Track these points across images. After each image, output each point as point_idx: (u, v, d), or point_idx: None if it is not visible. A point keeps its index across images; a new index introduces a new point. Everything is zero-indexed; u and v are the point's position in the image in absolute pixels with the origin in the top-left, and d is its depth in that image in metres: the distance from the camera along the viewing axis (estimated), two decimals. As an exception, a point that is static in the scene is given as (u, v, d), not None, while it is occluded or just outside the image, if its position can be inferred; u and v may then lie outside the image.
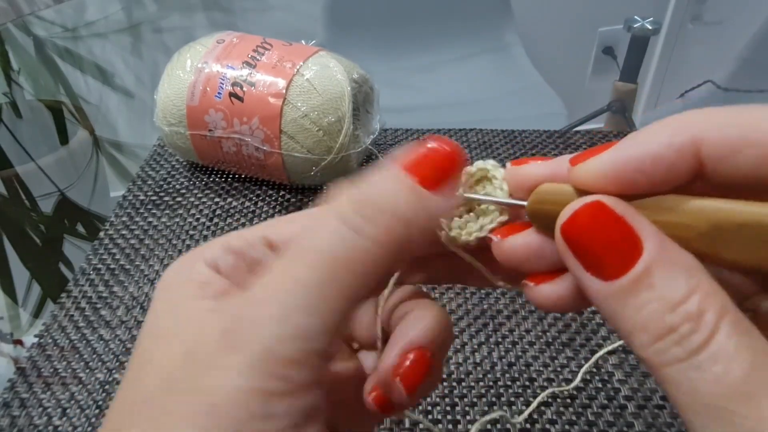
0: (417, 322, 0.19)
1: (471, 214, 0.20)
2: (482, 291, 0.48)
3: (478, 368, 0.42)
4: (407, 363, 0.18)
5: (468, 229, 0.19)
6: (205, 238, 0.54)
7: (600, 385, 0.40)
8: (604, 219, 0.15)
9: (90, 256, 0.52)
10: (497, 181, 0.19)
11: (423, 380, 0.18)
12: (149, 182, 0.61)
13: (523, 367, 0.42)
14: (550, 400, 0.40)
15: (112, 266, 0.51)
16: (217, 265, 0.17)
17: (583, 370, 0.41)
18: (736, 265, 0.15)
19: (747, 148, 0.14)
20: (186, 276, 0.17)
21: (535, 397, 0.40)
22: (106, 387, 0.41)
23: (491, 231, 0.19)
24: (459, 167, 0.17)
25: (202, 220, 0.56)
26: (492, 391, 0.40)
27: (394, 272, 0.20)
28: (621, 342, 0.42)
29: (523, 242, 0.18)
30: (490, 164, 0.20)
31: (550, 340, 0.44)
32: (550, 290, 0.17)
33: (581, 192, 0.16)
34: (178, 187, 0.60)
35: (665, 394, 0.14)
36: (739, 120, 0.14)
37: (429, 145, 0.17)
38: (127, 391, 0.15)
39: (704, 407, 0.13)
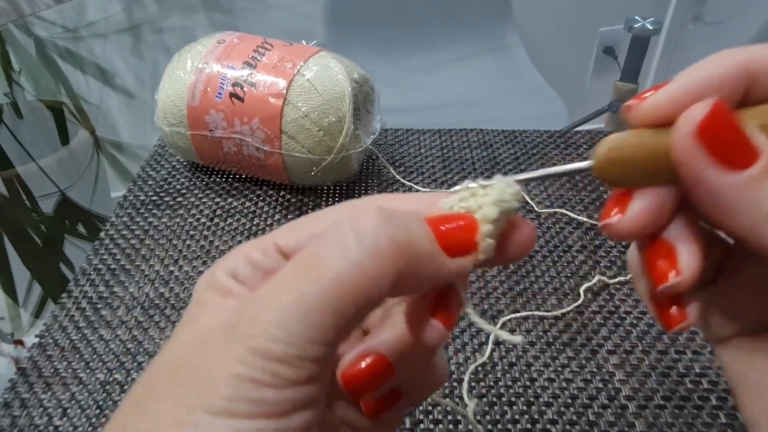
0: (386, 331, 0.20)
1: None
2: (483, 291, 0.48)
3: (479, 369, 0.42)
4: (359, 366, 0.19)
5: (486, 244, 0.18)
6: (206, 238, 0.54)
7: (601, 385, 0.40)
8: (728, 115, 0.16)
9: (91, 256, 0.52)
10: (479, 190, 0.19)
11: (370, 387, 0.19)
12: (150, 182, 0.61)
13: (524, 367, 0.42)
14: (551, 400, 0.40)
15: (112, 266, 0.51)
16: (236, 273, 0.18)
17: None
18: None
19: None
20: (210, 282, 0.18)
21: (536, 398, 0.40)
22: (107, 387, 0.41)
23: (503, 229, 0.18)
24: (476, 237, 0.18)
25: (203, 220, 0.56)
26: (493, 391, 0.40)
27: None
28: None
29: (641, 207, 0.18)
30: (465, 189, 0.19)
31: (551, 340, 0.44)
32: (636, 211, 0.18)
33: (649, 131, 0.17)
34: (178, 187, 0.60)
35: None
36: None
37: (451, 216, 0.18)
38: (150, 369, 0.17)
39: None
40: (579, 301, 0.46)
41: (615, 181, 0.18)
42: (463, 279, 0.20)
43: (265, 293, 0.16)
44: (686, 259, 0.17)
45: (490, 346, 0.43)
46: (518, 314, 0.46)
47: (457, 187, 0.19)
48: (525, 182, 0.19)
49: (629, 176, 0.17)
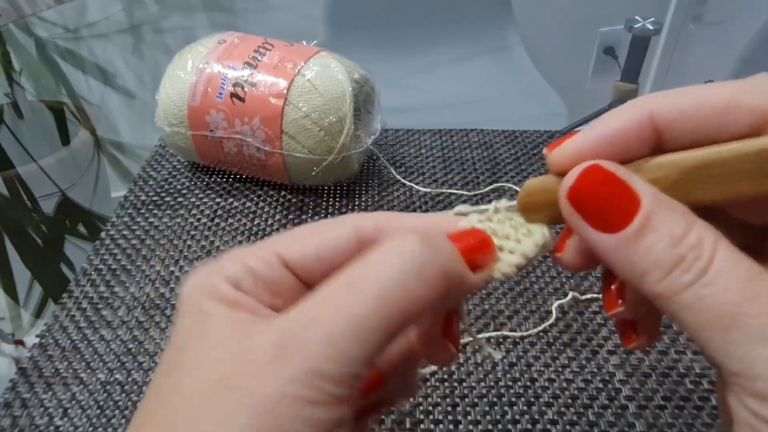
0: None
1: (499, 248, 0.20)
2: (483, 291, 0.48)
3: (479, 368, 0.42)
4: None
5: (509, 261, 0.19)
6: (206, 238, 0.54)
7: (601, 386, 0.40)
8: (603, 178, 0.17)
9: (91, 257, 0.52)
10: (493, 215, 0.20)
11: (363, 397, 0.20)
12: (150, 182, 0.61)
13: (525, 368, 0.42)
14: (551, 400, 0.40)
15: (113, 266, 0.51)
16: (240, 285, 0.18)
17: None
18: (713, 203, 0.17)
19: (695, 111, 0.17)
20: (212, 292, 0.18)
21: (537, 398, 0.40)
22: (108, 387, 0.41)
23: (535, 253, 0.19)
24: (493, 250, 0.19)
25: (204, 220, 0.56)
26: (493, 391, 0.40)
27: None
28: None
29: (573, 245, 0.20)
30: (472, 212, 0.20)
31: (551, 340, 0.44)
32: (566, 259, 0.20)
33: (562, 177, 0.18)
34: (179, 187, 0.60)
35: (680, 324, 0.16)
36: (686, 92, 0.17)
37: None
38: (163, 396, 0.16)
39: (719, 318, 0.15)
40: (581, 299, 0.46)
41: (536, 221, 0.20)
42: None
43: (309, 311, 0.16)
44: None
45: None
46: (519, 314, 0.46)
47: (459, 209, 0.20)
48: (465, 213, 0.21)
49: (544, 218, 0.19)
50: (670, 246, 0.16)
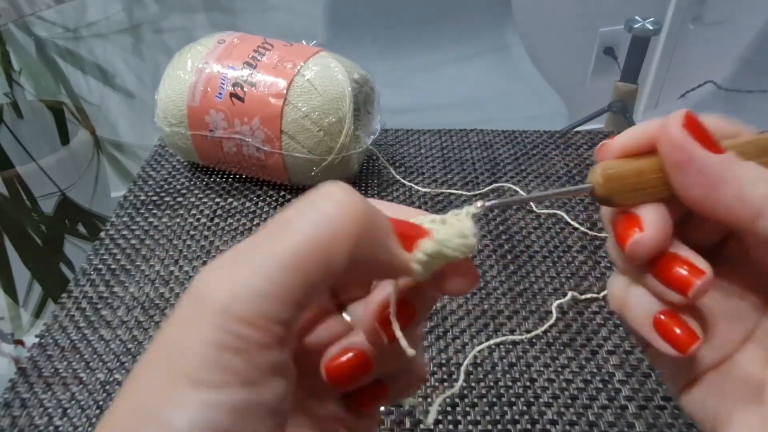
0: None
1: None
2: (483, 291, 0.48)
3: (479, 369, 0.42)
4: (341, 359, 0.20)
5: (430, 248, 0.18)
6: (206, 238, 0.54)
7: (601, 386, 0.40)
8: (699, 120, 0.19)
9: (91, 256, 0.52)
10: (441, 221, 0.19)
11: (350, 381, 0.20)
12: (150, 182, 0.61)
13: (524, 368, 0.42)
14: (551, 400, 0.40)
15: (112, 266, 0.51)
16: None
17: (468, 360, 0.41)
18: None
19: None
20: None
21: (536, 398, 0.40)
22: (107, 387, 0.41)
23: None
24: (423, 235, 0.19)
25: (203, 220, 0.56)
26: (493, 391, 0.40)
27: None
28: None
29: (655, 219, 0.20)
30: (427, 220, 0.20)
31: (551, 340, 0.44)
32: (654, 223, 0.20)
33: (624, 159, 0.20)
34: (178, 187, 0.60)
35: None
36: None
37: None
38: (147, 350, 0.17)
39: None
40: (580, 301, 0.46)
41: (613, 198, 0.20)
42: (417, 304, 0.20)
43: (229, 256, 0.16)
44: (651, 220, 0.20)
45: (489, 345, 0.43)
46: (518, 314, 0.45)
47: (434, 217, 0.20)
48: (531, 201, 0.21)
49: (623, 192, 0.20)
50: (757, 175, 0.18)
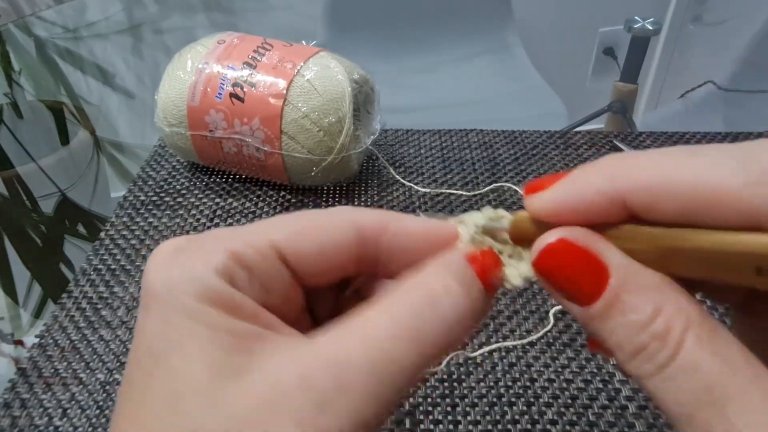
0: None
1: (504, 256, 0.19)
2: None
3: (479, 369, 0.42)
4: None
5: (515, 273, 0.18)
6: (206, 238, 0.54)
7: (601, 386, 0.40)
8: (569, 253, 0.15)
9: (91, 257, 0.52)
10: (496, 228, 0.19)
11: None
12: (150, 183, 0.61)
13: (524, 368, 0.42)
14: (551, 400, 0.40)
15: (112, 266, 0.51)
16: (234, 280, 0.15)
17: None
18: (691, 279, 0.16)
19: (666, 200, 0.15)
20: (199, 288, 0.15)
21: (537, 398, 0.40)
22: (107, 387, 0.41)
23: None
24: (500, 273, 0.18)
25: (203, 220, 0.56)
26: (493, 391, 0.40)
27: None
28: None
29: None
30: (475, 218, 0.19)
31: (551, 340, 0.44)
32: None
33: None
34: (178, 187, 0.60)
35: (654, 401, 0.15)
36: (658, 171, 0.15)
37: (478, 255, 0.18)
38: (149, 411, 0.14)
39: (678, 415, 0.14)
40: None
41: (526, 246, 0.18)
42: None
43: (341, 344, 0.15)
44: None
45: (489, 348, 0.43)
46: (518, 314, 0.46)
47: (464, 216, 0.19)
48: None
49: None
50: (634, 332, 0.14)
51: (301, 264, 0.17)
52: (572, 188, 0.16)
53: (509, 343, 0.43)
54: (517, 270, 0.18)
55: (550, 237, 0.16)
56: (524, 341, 0.44)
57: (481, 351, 0.43)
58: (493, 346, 0.43)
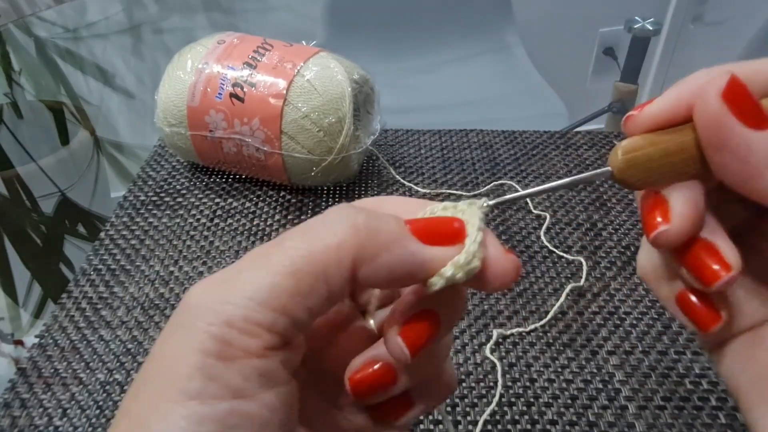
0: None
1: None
2: (483, 291, 0.48)
3: (479, 369, 0.42)
4: (365, 372, 0.19)
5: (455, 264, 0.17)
6: (206, 238, 0.54)
7: (601, 386, 0.40)
8: (745, 86, 0.16)
9: (91, 257, 0.52)
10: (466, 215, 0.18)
11: (374, 393, 0.19)
12: (150, 183, 0.61)
13: (524, 368, 0.42)
14: (551, 401, 0.40)
15: (112, 267, 0.51)
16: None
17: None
18: None
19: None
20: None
21: (536, 398, 0.40)
22: (107, 387, 0.41)
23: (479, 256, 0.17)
24: (463, 229, 0.18)
25: (203, 220, 0.56)
26: (493, 391, 0.40)
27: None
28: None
29: (682, 208, 0.18)
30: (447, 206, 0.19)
31: (551, 340, 0.44)
32: (681, 213, 0.18)
33: (653, 134, 0.18)
34: (178, 187, 0.60)
35: None
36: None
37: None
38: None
39: None
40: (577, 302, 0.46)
41: (635, 183, 0.18)
42: (452, 305, 0.19)
43: (220, 272, 0.16)
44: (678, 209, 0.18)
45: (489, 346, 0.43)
46: (518, 314, 0.46)
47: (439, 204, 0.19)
48: (550, 191, 0.19)
49: (648, 176, 0.18)
50: None
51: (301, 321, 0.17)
52: (688, 83, 0.17)
53: (509, 338, 0.43)
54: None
55: (724, 74, 0.16)
56: (524, 341, 0.44)
57: (480, 351, 0.43)
58: (491, 345, 0.43)
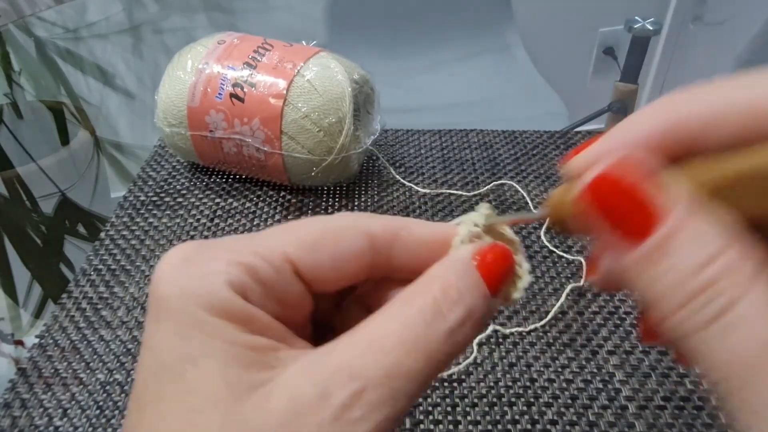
0: None
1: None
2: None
3: (479, 369, 0.42)
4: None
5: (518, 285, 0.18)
6: (206, 238, 0.54)
7: (601, 386, 0.40)
8: (633, 172, 0.14)
9: (91, 257, 0.52)
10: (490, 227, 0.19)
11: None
12: (150, 183, 0.61)
13: (524, 368, 0.42)
14: (551, 400, 0.40)
15: (112, 267, 0.51)
16: (247, 293, 0.15)
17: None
18: (759, 218, 0.14)
19: (722, 123, 0.14)
20: (211, 300, 0.15)
21: (536, 398, 0.40)
22: (107, 387, 0.41)
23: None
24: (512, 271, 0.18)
25: (203, 220, 0.56)
26: (493, 391, 0.40)
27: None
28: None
29: (604, 266, 0.18)
30: (475, 218, 0.19)
31: (551, 340, 0.44)
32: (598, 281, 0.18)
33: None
34: (178, 187, 0.60)
35: (698, 362, 0.13)
36: (710, 97, 0.15)
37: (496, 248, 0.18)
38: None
39: (730, 375, 0.12)
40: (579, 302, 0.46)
41: (565, 232, 0.18)
42: None
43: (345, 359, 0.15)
44: None
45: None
46: (518, 314, 0.46)
47: (460, 220, 0.19)
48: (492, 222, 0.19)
49: (572, 228, 0.17)
50: (693, 271, 0.13)
51: (315, 276, 0.17)
52: (614, 138, 0.16)
53: (509, 338, 0.43)
54: (518, 282, 0.18)
55: (613, 155, 0.14)
56: (524, 341, 0.44)
57: (480, 351, 0.43)
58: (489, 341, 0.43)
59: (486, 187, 0.59)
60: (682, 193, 0.14)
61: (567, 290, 0.47)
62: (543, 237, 0.53)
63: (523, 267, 0.18)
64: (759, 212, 0.14)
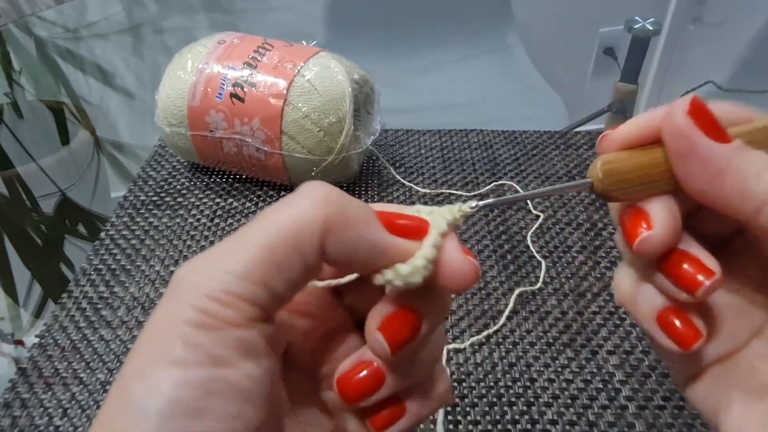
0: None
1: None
2: (483, 291, 0.48)
3: (479, 369, 0.42)
4: (354, 373, 0.19)
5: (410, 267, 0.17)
6: (206, 238, 0.54)
7: (601, 386, 0.40)
8: (706, 106, 0.19)
9: (91, 257, 0.52)
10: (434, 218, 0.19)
11: (363, 395, 0.19)
12: (150, 183, 0.61)
13: (524, 368, 0.42)
14: (551, 400, 0.40)
15: (113, 266, 0.51)
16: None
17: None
18: None
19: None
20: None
21: (536, 398, 0.40)
22: (107, 387, 0.41)
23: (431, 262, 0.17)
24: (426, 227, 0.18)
25: (203, 220, 0.56)
26: (493, 391, 0.40)
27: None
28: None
29: (663, 216, 0.19)
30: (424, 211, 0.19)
31: (551, 340, 0.44)
32: (662, 220, 0.19)
33: (625, 152, 0.20)
34: (179, 187, 0.60)
35: None
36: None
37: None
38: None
39: None
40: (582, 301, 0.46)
41: (614, 193, 0.19)
42: (435, 309, 0.19)
43: (207, 250, 0.17)
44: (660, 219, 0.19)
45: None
46: (518, 314, 0.46)
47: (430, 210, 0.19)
48: (528, 198, 0.20)
49: (625, 186, 0.19)
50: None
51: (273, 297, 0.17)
52: (646, 115, 0.19)
53: (509, 338, 0.43)
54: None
55: (687, 97, 0.19)
56: (525, 341, 0.44)
57: (481, 351, 0.43)
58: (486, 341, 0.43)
59: (486, 187, 0.59)
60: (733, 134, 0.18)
61: (566, 290, 0.47)
62: (528, 239, 0.53)
63: (422, 252, 0.18)
64: None
